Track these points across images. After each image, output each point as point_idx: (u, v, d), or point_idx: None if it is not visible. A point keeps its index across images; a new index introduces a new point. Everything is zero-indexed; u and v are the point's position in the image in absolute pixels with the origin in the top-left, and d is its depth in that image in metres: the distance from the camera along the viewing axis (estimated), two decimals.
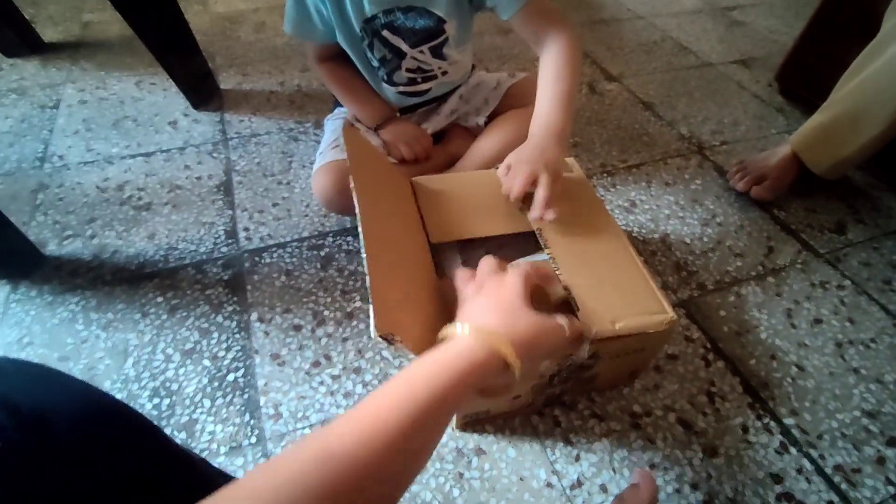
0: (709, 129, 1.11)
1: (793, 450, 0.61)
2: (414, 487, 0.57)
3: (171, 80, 1.07)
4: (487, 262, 0.44)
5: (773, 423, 0.63)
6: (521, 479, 0.58)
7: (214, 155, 0.98)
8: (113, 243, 0.81)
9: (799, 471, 0.59)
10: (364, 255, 0.43)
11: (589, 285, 0.53)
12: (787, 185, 0.92)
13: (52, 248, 0.80)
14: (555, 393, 0.61)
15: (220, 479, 0.42)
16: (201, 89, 1.10)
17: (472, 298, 0.41)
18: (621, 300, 0.52)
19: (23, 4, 1.25)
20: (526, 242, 0.62)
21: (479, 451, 0.60)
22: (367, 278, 0.41)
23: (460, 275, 0.45)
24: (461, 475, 0.58)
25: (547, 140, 0.61)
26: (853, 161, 0.87)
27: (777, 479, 0.59)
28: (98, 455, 0.29)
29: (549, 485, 0.57)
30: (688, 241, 0.86)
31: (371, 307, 0.37)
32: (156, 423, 0.60)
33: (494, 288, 0.40)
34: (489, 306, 0.38)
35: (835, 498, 0.57)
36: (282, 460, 0.26)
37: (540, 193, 0.56)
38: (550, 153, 0.59)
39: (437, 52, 0.75)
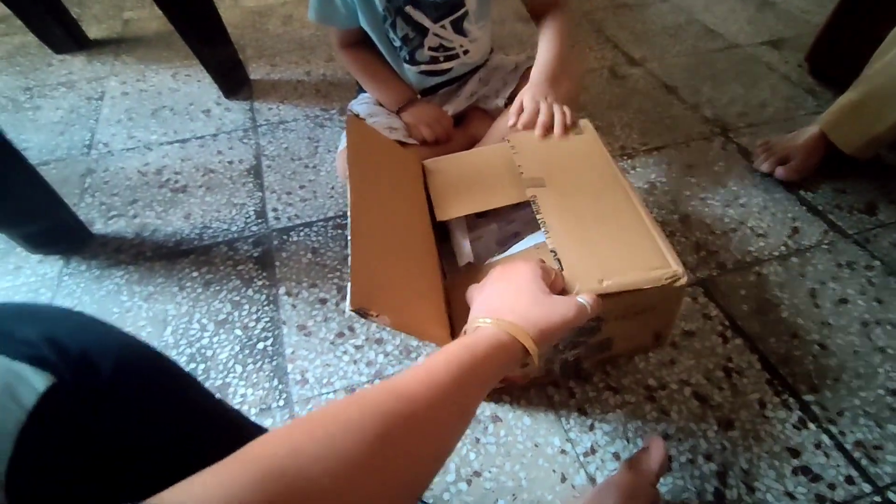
0: (734, 111, 1.09)
1: (812, 425, 0.61)
2: None
3: (204, 71, 1.13)
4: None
5: (791, 399, 0.63)
6: (536, 446, 0.60)
7: (245, 141, 1.03)
8: (153, 222, 0.87)
9: (817, 446, 0.59)
10: (349, 238, 0.45)
11: (582, 244, 0.52)
12: (814, 165, 0.90)
13: (98, 227, 0.86)
14: (567, 360, 0.61)
15: (247, 421, 0.45)
16: (233, 79, 1.16)
17: (490, 284, 0.44)
18: (619, 257, 0.50)
19: (69, 4, 1.33)
20: (534, 218, 0.62)
21: (496, 419, 0.62)
22: (349, 257, 0.43)
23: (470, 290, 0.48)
24: (478, 440, 0.60)
25: (546, 82, 0.73)
26: (885, 139, 0.85)
27: (794, 453, 0.59)
28: (139, 393, 0.32)
29: (562, 451, 0.59)
30: (708, 221, 0.85)
31: (349, 285, 0.40)
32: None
33: (510, 276, 0.43)
34: (506, 295, 0.41)
35: (853, 473, 0.57)
36: (355, 396, 0.28)
37: (557, 117, 0.66)
38: (545, 88, 0.72)
39: (458, 27, 0.78)
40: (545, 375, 0.64)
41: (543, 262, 0.46)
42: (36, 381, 0.26)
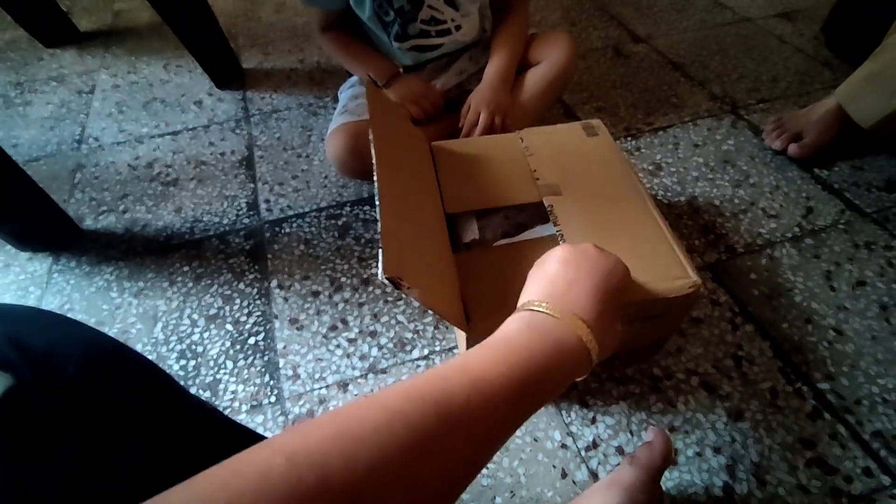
0: (744, 87, 1.04)
1: (827, 415, 0.58)
2: None
3: (196, 62, 1.10)
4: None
5: (805, 388, 0.60)
6: (535, 440, 0.57)
7: (237, 131, 1.01)
8: (143, 217, 0.85)
9: (833, 436, 0.56)
10: (378, 203, 0.42)
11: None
12: (828, 142, 0.85)
13: (88, 223, 0.85)
14: None
15: (220, 415, 0.44)
16: (224, 69, 1.13)
17: (578, 266, 0.35)
18: (639, 266, 0.50)
19: None
20: (545, 210, 0.60)
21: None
22: (379, 223, 0.40)
23: None
24: None
25: (498, 83, 0.77)
26: None
27: (808, 444, 0.56)
28: (103, 392, 0.31)
29: (563, 446, 0.57)
30: (717, 203, 0.81)
31: (380, 250, 0.37)
32: (182, 382, 0.64)
33: (606, 269, 0.34)
34: (595, 294, 0.32)
35: (872, 465, 0.54)
36: (402, 388, 0.23)
37: (478, 129, 0.75)
38: (496, 94, 0.77)
39: (450, 0, 0.76)
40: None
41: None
42: None
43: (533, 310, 0.31)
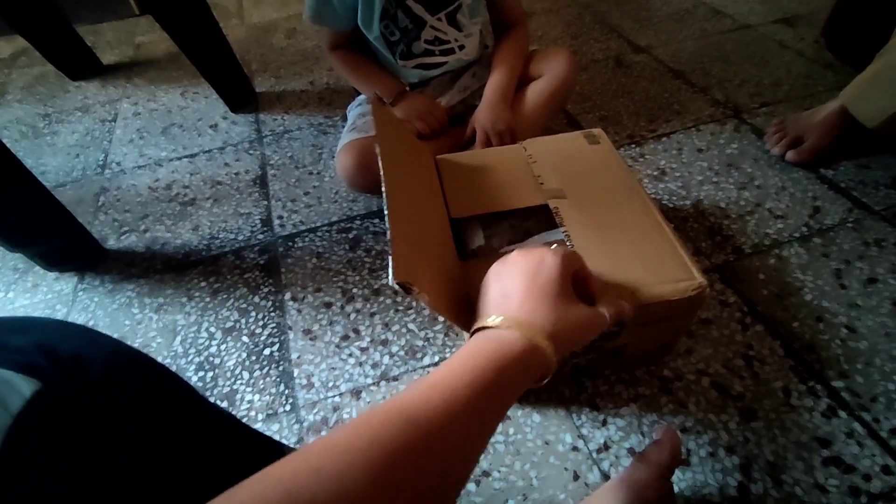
0: (746, 92, 1.05)
1: (842, 413, 0.57)
2: None
3: (211, 88, 1.15)
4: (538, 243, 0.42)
5: (819, 387, 0.59)
6: (547, 443, 0.57)
7: (251, 152, 1.05)
8: (163, 236, 0.88)
9: (849, 434, 0.55)
10: (386, 212, 0.44)
11: (607, 257, 0.52)
12: (828, 146, 0.85)
13: (111, 243, 0.88)
14: (580, 364, 0.60)
15: (237, 423, 0.45)
16: (238, 94, 1.18)
17: (508, 275, 0.37)
18: (644, 269, 0.51)
19: (84, 33, 1.38)
20: (549, 216, 0.61)
21: (504, 417, 0.60)
22: (388, 231, 0.42)
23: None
24: None
25: (497, 101, 0.80)
26: None
27: (824, 443, 0.55)
28: (127, 397, 0.32)
29: (574, 448, 0.57)
30: (723, 205, 0.82)
31: (390, 257, 0.38)
32: (200, 393, 0.65)
33: (536, 269, 0.36)
34: (531, 293, 0.35)
35: (891, 462, 0.53)
36: (362, 421, 0.25)
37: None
38: (498, 112, 0.79)
39: (452, 20, 0.79)
40: (553, 377, 0.62)
41: (571, 249, 0.42)
42: (23, 388, 0.27)
43: (480, 328, 0.34)
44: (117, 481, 0.30)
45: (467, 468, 0.28)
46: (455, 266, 0.55)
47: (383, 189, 0.46)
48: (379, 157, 0.50)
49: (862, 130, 0.83)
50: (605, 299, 0.38)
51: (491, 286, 0.38)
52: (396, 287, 0.37)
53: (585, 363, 0.60)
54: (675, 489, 0.51)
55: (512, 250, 0.57)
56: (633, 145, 0.95)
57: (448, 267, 0.53)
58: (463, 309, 0.51)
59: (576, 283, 0.38)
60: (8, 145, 0.71)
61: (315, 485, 0.21)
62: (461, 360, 0.30)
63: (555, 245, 0.39)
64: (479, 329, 0.35)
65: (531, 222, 0.65)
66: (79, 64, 1.36)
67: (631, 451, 0.56)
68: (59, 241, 0.81)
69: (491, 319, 0.34)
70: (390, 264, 0.38)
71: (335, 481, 0.22)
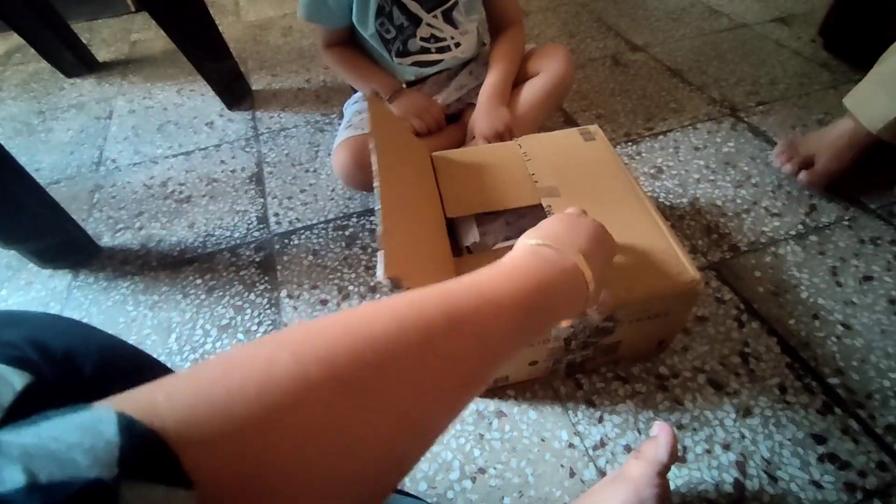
0: (743, 90, 1.05)
1: (837, 410, 0.57)
2: (435, 448, 0.58)
3: (207, 85, 1.15)
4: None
5: (814, 383, 0.59)
6: (543, 440, 0.57)
7: (247, 149, 1.04)
8: (158, 233, 0.88)
9: (845, 431, 0.55)
10: (378, 206, 0.44)
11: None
12: (841, 169, 0.78)
13: (106, 240, 0.88)
14: (575, 360, 0.60)
15: None
16: (234, 91, 1.17)
17: (580, 224, 0.38)
18: (638, 263, 0.51)
19: (80, 30, 1.38)
20: (544, 214, 0.61)
21: (500, 414, 0.60)
22: (379, 226, 0.41)
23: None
24: (482, 436, 0.58)
25: (494, 101, 0.79)
26: None
27: (819, 439, 0.55)
28: (121, 389, 0.32)
29: (570, 445, 0.57)
30: (719, 203, 0.82)
31: (381, 251, 0.38)
32: None
33: (602, 235, 0.38)
34: (591, 241, 0.35)
35: (886, 458, 0.53)
36: (408, 298, 0.23)
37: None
38: (495, 113, 0.78)
39: (448, 18, 0.79)
40: (549, 374, 0.62)
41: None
42: (14, 381, 0.27)
43: (535, 244, 0.33)
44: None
45: (484, 385, 0.25)
46: (448, 262, 0.55)
47: (375, 184, 0.45)
48: (372, 152, 0.49)
49: (876, 153, 0.76)
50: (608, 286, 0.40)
51: (550, 221, 0.38)
52: (387, 282, 0.37)
53: (581, 359, 0.60)
54: (672, 486, 0.51)
55: (508, 247, 0.57)
56: (630, 143, 0.95)
57: (441, 263, 0.53)
58: None
59: None
60: (2, 142, 0.71)
61: (354, 369, 0.19)
62: (511, 270, 0.28)
63: None
64: (532, 244, 0.33)
65: (527, 219, 0.65)
66: (74, 61, 1.35)
67: (627, 447, 0.56)
68: (54, 238, 0.80)
69: (540, 240, 0.33)
70: (381, 259, 0.38)
71: (387, 335, 0.20)
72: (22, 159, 0.74)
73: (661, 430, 0.46)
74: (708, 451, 0.55)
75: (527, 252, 0.32)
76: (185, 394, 0.16)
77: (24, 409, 0.27)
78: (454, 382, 0.22)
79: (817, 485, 0.52)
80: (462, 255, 0.59)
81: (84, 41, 1.37)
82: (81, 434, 0.14)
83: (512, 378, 0.61)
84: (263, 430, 0.16)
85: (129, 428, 0.14)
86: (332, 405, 0.18)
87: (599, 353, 0.60)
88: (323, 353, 0.19)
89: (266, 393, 0.17)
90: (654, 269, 0.51)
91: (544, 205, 0.58)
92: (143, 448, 0.14)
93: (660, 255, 0.52)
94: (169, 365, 0.67)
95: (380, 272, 0.37)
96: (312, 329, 0.20)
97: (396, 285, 0.38)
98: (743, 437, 0.56)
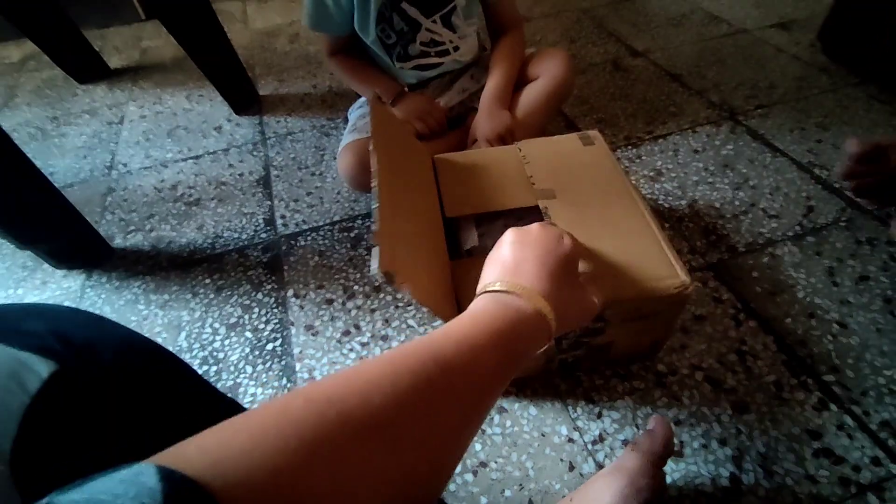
0: (742, 94, 1.07)
1: (833, 406, 0.58)
2: None
3: (216, 91, 1.18)
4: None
5: (810, 381, 0.61)
6: (543, 435, 0.59)
7: (254, 153, 1.06)
8: (168, 235, 0.90)
9: (840, 427, 0.56)
10: (375, 204, 0.45)
11: (593, 256, 0.53)
12: None
13: (118, 242, 0.90)
14: (567, 360, 0.61)
15: (239, 407, 0.46)
16: (242, 97, 1.20)
17: (525, 245, 0.37)
18: (629, 266, 0.52)
19: (92, 38, 1.41)
20: (541, 217, 0.62)
21: (501, 409, 0.61)
22: (375, 223, 0.43)
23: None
24: (483, 431, 0.60)
25: (493, 107, 0.81)
26: None
27: (815, 435, 0.56)
28: (137, 381, 0.34)
29: (570, 440, 0.58)
30: (717, 205, 0.83)
31: (376, 247, 0.39)
32: None
33: (552, 247, 0.37)
34: (545, 269, 0.35)
35: (880, 454, 0.54)
36: (391, 355, 0.25)
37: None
38: (497, 117, 0.80)
39: (447, 22, 0.81)
40: (540, 374, 0.63)
41: (572, 236, 0.41)
42: (41, 368, 0.28)
43: (492, 290, 0.34)
44: (127, 459, 0.31)
45: (479, 421, 0.28)
46: (444, 264, 0.56)
47: (373, 183, 0.47)
48: (372, 154, 0.51)
49: None
50: (594, 287, 0.40)
51: (504, 250, 0.38)
52: (380, 277, 0.38)
53: (572, 359, 0.61)
54: (669, 479, 0.53)
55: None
56: (631, 147, 0.97)
57: (436, 264, 0.54)
58: (448, 302, 0.52)
59: None
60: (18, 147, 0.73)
61: (363, 408, 0.21)
62: (480, 319, 0.30)
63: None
64: (486, 292, 0.35)
65: (524, 222, 0.66)
66: (86, 68, 1.39)
67: (625, 442, 0.57)
68: (68, 239, 0.83)
69: (500, 284, 0.34)
70: (375, 254, 0.39)
71: (387, 380, 0.22)
72: (37, 163, 0.76)
73: (657, 423, 0.48)
74: (704, 446, 0.56)
75: (487, 301, 0.33)
76: (213, 443, 0.19)
77: (50, 394, 0.29)
78: (450, 425, 0.24)
79: (812, 479, 0.53)
80: (462, 258, 0.60)
81: (96, 48, 1.41)
82: (126, 486, 0.15)
83: None
84: (285, 467, 0.18)
85: (169, 476, 0.16)
86: (351, 442, 0.20)
87: (591, 354, 0.60)
88: (335, 397, 0.21)
89: (284, 435, 0.19)
90: (645, 270, 0.51)
91: (541, 206, 0.59)
92: (182, 491, 0.16)
93: (651, 258, 0.52)
94: None
95: (374, 266, 0.38)
96: (320, 382, 0.22)
97: (390, 280, 0.39)
98: (739, 432, 0.57)
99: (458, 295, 0.54)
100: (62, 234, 0.82)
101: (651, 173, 0.91)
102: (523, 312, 0.32)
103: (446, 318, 0.48)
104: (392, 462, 0.21)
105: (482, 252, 0.61)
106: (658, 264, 0.52)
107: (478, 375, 0.27)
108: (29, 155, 0.75)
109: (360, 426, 0.20)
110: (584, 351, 0.59)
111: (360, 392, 0.21)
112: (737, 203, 0.83)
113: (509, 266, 0.35)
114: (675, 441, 0.56)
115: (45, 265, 0.86)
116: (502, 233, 0.60)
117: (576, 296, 0.37)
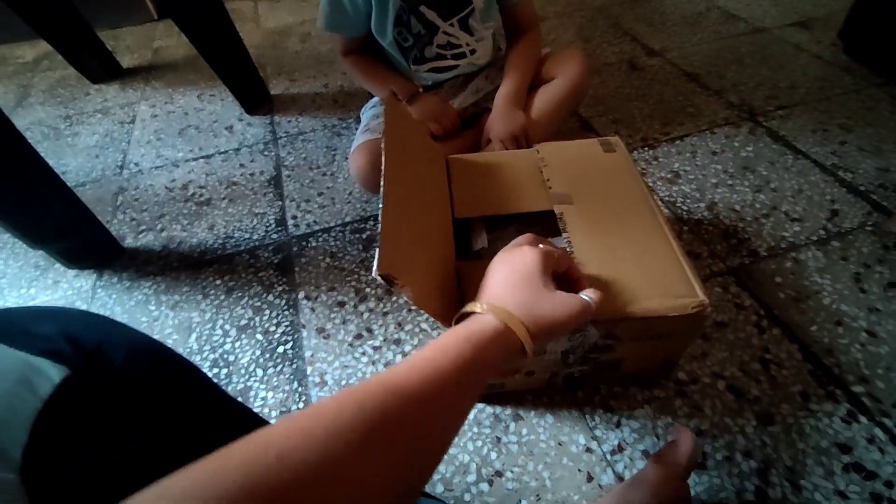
0: (762, 94, 1.04)
1: (862, 418, 0.56)
2: (452, 450, 0.58)
3: (227, 90, 1.17)
4: (524, 237, 0.44)
5: (838, 391, 0.58)
6: (560, 444, 0.57)
7: (265, 153, 1.06)
8: (179, 235, 0.90)
9: (870, 440, 0.54)
10: (381, 204, 0.44)
11: (607, 266, 0.50)
12: None
13: (129, 241, 0.90)
14: (573, 374, 0.59)
15: (248, 411, 0.45)
16: (254, 96, 1.19)
17: (494, 268, 0.41)
18: (645, 281, 0.49)
19: (105, 38, 1.42)
20: (557, 223, 0.61)
21: (517, 417, 0.60)
22: (380, 224, 0.42)
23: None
24: (499, 439, 0.58)
25: (508, 107, 0.80)
26: None
27: (844, 448, 0.54)
28: (147, 384, 0.33)
29: (588, 450, 0.56)
30: (738, 208, 0.81)
31: (377, 248, 0.39)
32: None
33: (513, 262, 0.40)
34: (508, 283, 0.39)
35: None
36: (349, 391, 0.26)
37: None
38: (511, 117, 0.79)
39: (464, 25, 0.80)
40: (547, 386, 0.61)
41: (551, 244, 0.43)
42: (52, 373, 0.28)
43: (470, 312, 0.37)
44: (137, 464, 0.31)
45: (446, 439, 0.29)
46: (451, 266, 0.54)
47: (381, 183, 0.46)
48: (383, 151, 0.50)
49: None
50: (584, 285, 0.41)
51: (489, 273, 0.42)
52: (380, 279, 0.38)
53: (579, 374, 0.59)
54: (692, 492, 0.51)
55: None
56: (647, 148, 0.95)
57: (442, 266, 0.52)
58: (451, 307, 0.50)
59: (565, 281, 0.42)
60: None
61: (304, 447, 0.22)
62: (444, 340, 0.32)
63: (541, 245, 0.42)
64: (463, 315, 0.38)
65: (538, 228, 0.64)
66: (99, 67, 1.39)
67: (645, 453, 0.56)
68: (80, 238, 0.83)
69: (469, 305, 0.38)
70: (376, 256, 0.38)
71: (325, 443, 0.23)
72: (49, 162, 0.76)
73: (680, 434, 0.46)
74: (728, 459, 0.54)
75: (462, 325, 0.35)
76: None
77: (61, 400, 0.28)
78: (435, 424, 0.28)
79: (842, 495, 0.51)
80: (471, 260, 0.59)
81: (109, 48, 1.41)
82: None
83: (508, 386, 0.60)
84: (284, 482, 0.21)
85: None
86: (344, 452, 0.23)
87: (599, 370, 0.58)
88: (274, 439, 0.22)
89: (286, 458, 0.21)
90: (661, 287, 0.48)
91: (556, 212, 0.57)
92: None
93: (668, 274, 0.49)
94: None
95: (374, 269, 0.38)
96: (270, 427, 0.24)
97: (389, 282, 0.39)
98: (764, 444, 0.55)
99: (464, 296, 0.53)
100: (75, 234, 0.82)
101: (668, 175, 0.89)
102: (485, 325, 0.34)
103: (444, 321, 0.46)
104: (385, 465, 0.24)
105: (491, 255, 0.59)
106: (675, 281, 0.49)
107: (439, 396, 0.28)
108: (42, 154, 0.75)
109: (300, 464, 0.21)
110: (591, 367, 0.57)
111: (300, 430, 0.23)
112: (758, 206, 0.81)
113: (483, 290, 0.40)
114: (698, 452, 0.54)
115: (57, 265, 0.86)
116: (514, 237, 0.59)
117: (553, 299, 0.38)
